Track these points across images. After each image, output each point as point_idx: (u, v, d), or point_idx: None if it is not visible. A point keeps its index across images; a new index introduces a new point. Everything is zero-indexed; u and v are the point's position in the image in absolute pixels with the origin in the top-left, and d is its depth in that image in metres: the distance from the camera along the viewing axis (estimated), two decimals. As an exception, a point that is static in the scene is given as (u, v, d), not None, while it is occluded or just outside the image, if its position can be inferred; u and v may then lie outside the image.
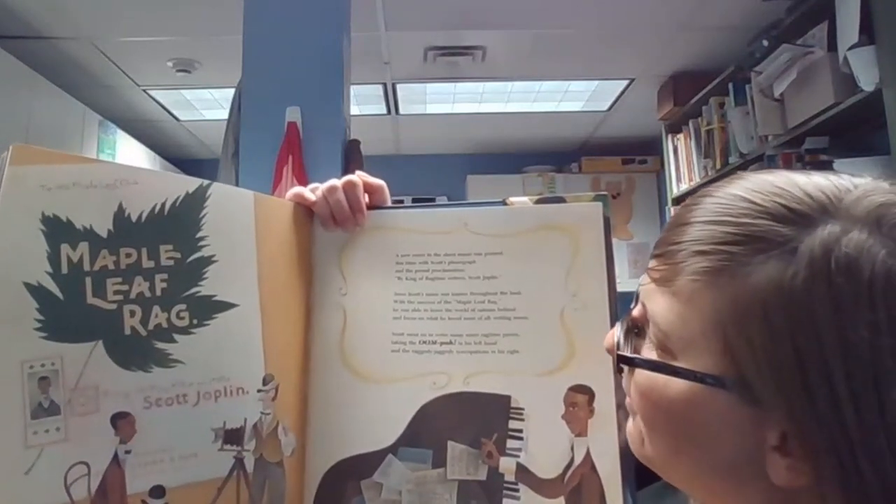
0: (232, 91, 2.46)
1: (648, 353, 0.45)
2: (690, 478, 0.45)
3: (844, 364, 0.36)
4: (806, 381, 0.37)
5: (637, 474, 0.59)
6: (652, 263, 0.46)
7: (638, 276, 0.52)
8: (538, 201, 0.68)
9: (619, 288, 0.64)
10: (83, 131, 3.35)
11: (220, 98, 3.61)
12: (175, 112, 3.92)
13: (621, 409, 0.58)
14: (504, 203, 0.68)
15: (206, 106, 3.82)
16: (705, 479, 0.44)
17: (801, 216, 0.39)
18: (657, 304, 0.44)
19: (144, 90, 3.54)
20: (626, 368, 0.47)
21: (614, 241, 0.66)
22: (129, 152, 3.84)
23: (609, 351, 0.50)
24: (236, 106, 2.36)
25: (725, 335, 0.40)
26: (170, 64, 3.16)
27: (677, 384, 0.42)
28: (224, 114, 2.60)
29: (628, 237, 4.46)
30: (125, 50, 3.04)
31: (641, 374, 0.45)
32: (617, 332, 0.48)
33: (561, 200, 0.67)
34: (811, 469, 0.37)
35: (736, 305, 0.39)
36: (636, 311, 0.47)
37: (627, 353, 0.47)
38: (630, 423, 0.49)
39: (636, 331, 0.47)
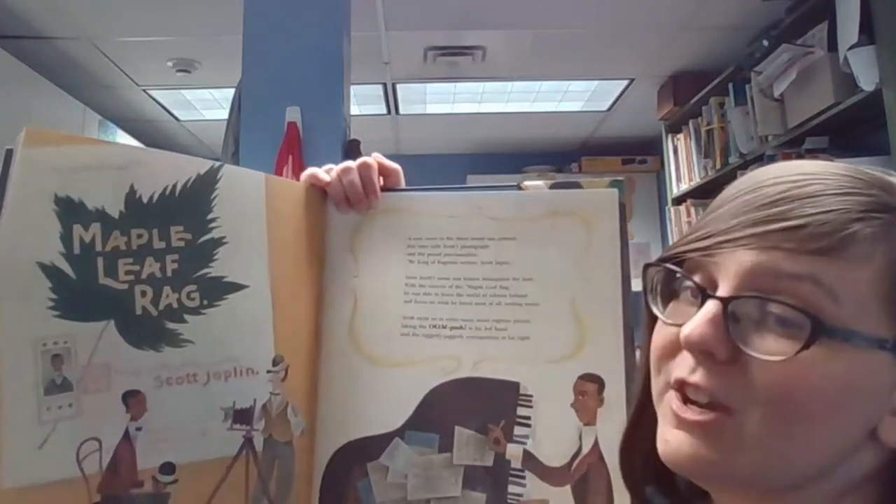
0: (232, 91, 2.46)
1: (776, 342, 0.40)
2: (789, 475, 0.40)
3: None
4: None
5: (644, 471, 0.56)
6: (790, 240, 0.40)
7: (638, 276, 0.48)
8: (553, 186, 0.67)
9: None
10: (83, 131, 3.34)
11: (220, 98, 3.61)
12: (175, 112, 3.91)
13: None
14: (519, 187, 0.68)
15: (206, 106, 3.82)
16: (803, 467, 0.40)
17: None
18: (827, 275, 0.39)
19: (144, 90, 3.53)
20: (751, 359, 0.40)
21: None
22: (129, 152, 3.83)
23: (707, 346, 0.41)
24: (236, 106, 2.36)
25: (891, 296, 0.40)
26: (170, 64, 3.16)
27: (845, 355, 0.39)
28: (224, 114, 2.60)
29: (629, 237, 4.44)
30: (125, 50, 3.04)
31: (793, 362, 0.38)
32: (720, 326, 0.41)
33: (576, 186, 0.66)
34: None
35: None
36: (784, 299, 0.40)
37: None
38: (714, 434, 0.41)
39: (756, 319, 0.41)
